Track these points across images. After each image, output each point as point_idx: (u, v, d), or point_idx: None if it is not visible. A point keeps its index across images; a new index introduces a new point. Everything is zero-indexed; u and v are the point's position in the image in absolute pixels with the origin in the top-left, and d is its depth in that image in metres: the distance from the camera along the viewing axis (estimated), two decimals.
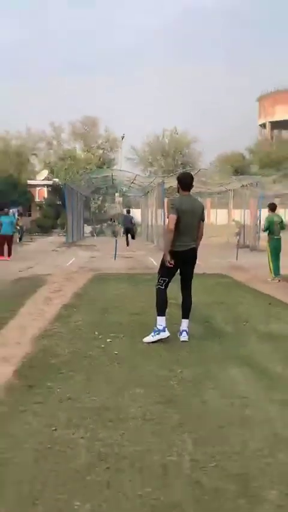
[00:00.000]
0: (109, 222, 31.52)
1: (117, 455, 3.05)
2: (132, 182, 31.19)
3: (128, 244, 23.68)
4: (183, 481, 2.77)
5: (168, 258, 5.62)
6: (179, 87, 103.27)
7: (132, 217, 26.32)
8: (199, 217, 5.85)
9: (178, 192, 5.99)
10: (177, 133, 56.88)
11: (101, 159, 50.98)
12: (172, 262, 5.62)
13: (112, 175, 31.51)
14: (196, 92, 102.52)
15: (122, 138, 49.93)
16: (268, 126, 71.25)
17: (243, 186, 23.74)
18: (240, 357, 5.14)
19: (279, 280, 11.21)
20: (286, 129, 69.81)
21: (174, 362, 4.95)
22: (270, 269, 11.59)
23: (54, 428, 3.41)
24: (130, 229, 25.05)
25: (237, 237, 21.90)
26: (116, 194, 41.46)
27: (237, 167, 55.04)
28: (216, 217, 32.13)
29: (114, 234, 29.69)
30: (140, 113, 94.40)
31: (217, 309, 7.78)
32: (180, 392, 4.11)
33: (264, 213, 14.19)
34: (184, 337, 5.74)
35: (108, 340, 5.77)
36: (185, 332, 5.78)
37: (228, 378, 4.48)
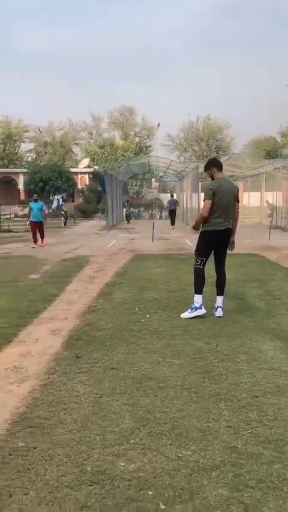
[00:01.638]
0: (126, 207, 31.73)
1: (158, 420, 3.08)
2: (167, 168, 30.95)
3: (173, 223, 24.78)
4: (221, 446, 2.77)
5: (195, 225, 5.85)
6: (213, 75, 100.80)
7: (176, 201, 27.90)
8: (235, 198, 5.76)
9: (212, 178, 5.80)
10: (210, 120, 55.89)
11: (138, 146, 50.77)
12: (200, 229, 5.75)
13: (149, 161, 31.34)
14: (230, 80, 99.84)
15: (158, 125, 49.45)
16: None
17: (276, 168, 23.09)
18: (273, 331, 5.07)
19: None
20: None
21: (210, 335, 4.93)
22: None
23: (99, 396, 3.46)
24: (174, 211, 26.25)
25: (270, 218, 21.43)
26: (153, 179, 41.27)
27: (270, 150, 53.70)
28: (249, 199, 31.46)
29: (129, 218, 29.94)
30: (175, 101, 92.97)
31: (250, 286, 7.67)
32: (216, 364, 4.09)
33: None
34: (220, 313, 5.70)
35: (147, 315, 5.79)
36: (220, 308, 5.74)
37: (261, 350, 4.43)
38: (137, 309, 6.11)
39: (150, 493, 2.34)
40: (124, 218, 30.60)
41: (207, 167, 5.85)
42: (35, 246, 14.87)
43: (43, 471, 2.54)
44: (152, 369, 4.00)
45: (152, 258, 11.76)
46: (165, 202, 36.73)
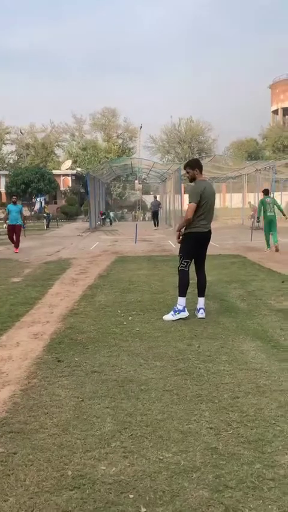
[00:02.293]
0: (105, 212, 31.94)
1: (140, 423, 3.08)
2: (150, 169, 31.02)
3: (156, 225, 25.22)
4: (201, 447, 2.78)
5: (178, 234, 5.77)
6: (195, 77, 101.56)
7: (159, 202, 28.50)
8: (214, 200, 5.84)
9: (194, 179, 5.76)
10: (192, 122, 56.19)
11: (121, 148, 50.78)
12: (180, 239, 5.77)
13: (131, 163, 31.37)
14: (211, 82, 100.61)
15: (141, 127, 49.64)
16: (280, 112, 69.68)
17: (257, 170, 23.33)
18: (254, 331, 5.11)
19: None
20: None
21: (192, 337, 4.95)
22: None
23: (81, 399, 3.45)
24: (157, 213, 26.79)
25: (252, 219, 21.62)
26: (136, 181, 41.31)
27: (251, 152, 54.23)
28: (231, 200, 31.72)
29: (136, 217, 30.07)
30: (157, 104, 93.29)
31: (232, 287, 7.72)
32: (197, 365, 4.11)
33: (277, 195, 14.22)
34: (202, 314, 5.73)
35: (130, 317, 5.79)
36: (202, 310, 5.77)
37: (242, 351, 4.46)
38: (119, 312, 6.10)
39: (131, 496, 2.34)
40: (102, 222, 30.61)
41: (192, 167, 5.79)
42: (16, 251, 13.92)
43: (23, 476, 2.52)
44: (133, 371, 4.00)
45: (135, 259, 11.76)
46: (148, 204, 36.81)
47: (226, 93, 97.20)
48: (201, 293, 5.86)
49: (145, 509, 2.23)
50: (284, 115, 69.16)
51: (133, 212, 36.43)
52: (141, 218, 33.49)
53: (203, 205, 5.60)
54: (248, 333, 5.08)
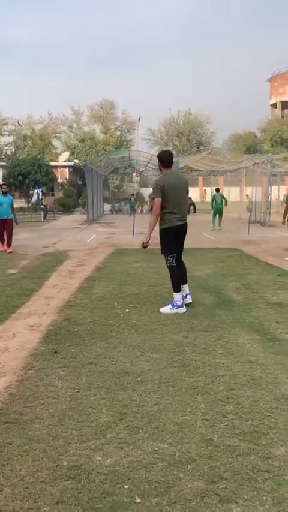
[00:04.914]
0: (132, 199, 31.73)
1: (136, 414, 3.09)
2: (148, 162, 30.90)
3: None
4: (197, 439, 2.79)
5: (148, 239, 5.74)
6: (194, 70, 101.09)
7: None
8: (185, 190, 5.79)
9: (160, 171, 5.84)
10: (191, 114, 55.96)
11: (119, 140, 50.55)
12: (148, 244, 5.78)
13: (129, 155, 31.24)
14: (210, 75, 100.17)
15: (139, 119, 49.32)
16: (279, 105, 69.44)
17: (255, 164, 23.28)
18: (250, 324, 5.12)
19: None
20: None
21: (188, 329, 4.95)
22: None
23: (77, 390, 3.45)
24: None
25: (249, 213, 21.62)
26: (134, 174, 41.17)
27: (249, 146, 54.09)
28: (228, 194, 31.70)
29: (134, 210, 29.82)
30: (156, 96, 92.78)
31: (228, 280, 7.73)
32: (194, 357, 4.12)
33: (275, 189, 14.04)
34: (189, 299, 5.86)
35: (126, 310, 5.79)
36: (189, 295, 5.89)
37: (238, 344, 4.47)
38: (116, 304, 6.09)
39: (126, 486, 2.34)
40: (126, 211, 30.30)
41: (158, 159, 5.86)
42: (9, 250, 11.82)
43: (18, 467, 2.53)
44: (130, 363, 4.00)
45: (132, 252, 11.74)
46: (146, 197, 36.70)
47: (225, 86, 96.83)
48: (185, 280, 5.94)
49: (140, 500, 2.24)
50: (282, 108, 68.92)
51: (133, 200, 36.26)
52: (139, 211, 33.36)
53: (170, 198, 5.52)
54: (244, 325, 5.09)
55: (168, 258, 5.72)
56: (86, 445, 2.72)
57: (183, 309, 5.66)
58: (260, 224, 20.45)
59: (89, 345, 4.47)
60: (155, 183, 5.71)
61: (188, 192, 5.88)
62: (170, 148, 54.51)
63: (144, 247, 5.85)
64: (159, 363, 3.98)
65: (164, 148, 55.28)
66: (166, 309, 5.66)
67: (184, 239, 5.88)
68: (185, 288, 5.89)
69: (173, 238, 5.69)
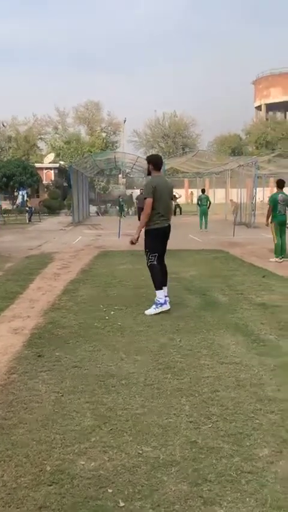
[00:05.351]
0: (120, 201, 31.66)
1: (120, 417, 3.08)
2: (134, 164, 30.91)
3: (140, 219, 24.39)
4: (181, 441, 2.79)
5: (137, 237, 5.88)
6: (179, 73, 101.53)
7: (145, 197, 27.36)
8: (171, 194, 6.08)
9: (149, 174, 5.99)
10: (176, 117, 56.16)
11: (105, 142, 50.47)
12: (137, 241, 5.89)
13: (115, 157, 31.20)
14: (195, 77, 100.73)
15: (124, 121, 49.32)
16: (263, 108, 70.10)
17: (240, 166, 23.44)
18: (235, 326, 5.15)
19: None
20: (280, 111, 68.70)
21: (173, 331, 4.96)
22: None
23: (61, 394, 3.43)
24: (143, 208, 25.74)
25: (234, 215, 21.74)
26: (120, 175, 41.13)
27: (234, 148, 54.45)
28: (214, 195, 31.86)
29: (121, 212, 29.72)
30: (141, 98, 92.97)
31: (214, 281, 7.76)
32: (179, 359, 4.12)
33: (260, 191, 14.12)
34: (167, 304, 5.85)
35: (112, 312, 5.78)
36: (167, 298, 5.90)
37: (223, 345, 4.49)
38: (101, 306, 6.08)
39: (110, 490, 2.33)
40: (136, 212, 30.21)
41: (148, 161, 6.02)
42: None
43: (1, 472, 2.50)
44: (115, 366, 3.99)
45: (118, 254, 11.72)
46: (133, 198, 36.64)
47: (210, 88, 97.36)
48: (164, 283, 5.98)
49: (123, 504, 2.23)
50: (267, 111, 69.59)
51: (117, 206, 36.18)
52: (131, 213, 33.27)
53: (159, 200, 5.72)
54: (229, 327, 5.11)
55: (150, 257, 5.83)
56: (70, 449, 2.70)
57: (167, 306, 5.73)
58: (245, 226, 20.57)
59: (74, 348, 4.45)
60: (148, 184, 5.92)
61: (172, 198, 6.16)
62: (156, 151, 54.62)
63: (133, 243, 5.98)
64: (144, 366, 3.98)
65: (151, 150, 55.48)
66: (151, 311, 5.68)
67: (167, 242, 6.02)
68: (165, 290, 5.92)
69: (159, 239, 5.85)
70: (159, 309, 5.66)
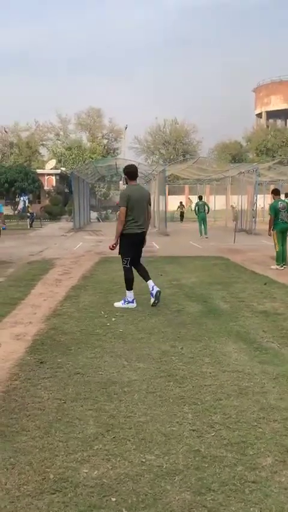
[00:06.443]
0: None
1: (123, 425, 3.07)
2: None
3: None
4: (184, 449, 2.78)
5: (115, 242, 6.32)
6: (180, 80, 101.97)
7: None
8: (147, 202, 6.40)
9: (126, 183, 6.44)
10: (177, 124, 56.35)
11: (106, 149, 50.64)
12: (116, 246, 6.33)
13: (116, 163, 31.28)
14: (196, 85, 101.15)
15: (125, 128, 49.51)
16: (264, 115, 70.40)
17: (240, 173, 23.49)
18: (237, 333, 5.14)
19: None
20: (281, 119, 69.02)
21: (175, 338, 4.95)
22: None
23: (63, 401, 3.42)
24: None
25: (235, 222, 21.76)
26: (120, 182, 41.22)
27: (235, 155, 54.61)
28: (214, 202, 31.90)
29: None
30: (143, 105, 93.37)
31: (215, 288, 7.75)
32: (180, 367, 4.11)
33: (260, 198, 14.14)
34: (156, 288, 6.33)
35: (113, 318, 5.77)
36: (154, 286, 6.36)
37: (225, 353, 4.48)
38: (102, 313, 6.07)
39: (113, 499, 2.32)
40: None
41: (124, 172, 6.48)
42: None
43: (4, 480, 2.49)
44: (117, 373, 3.98)
45: (118, 260, 11.64)
46: None
47: (211, 96, 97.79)
48: (147, 277, 6.45)
49: None
50: (267, 118, 69.88)
51: (117, 212, 36.30)
52: None
53: (133, 208, 6.13)
54: (231, 334, 5.11)
55: (124, 260, 6.38)
56: (73, 457, 2.69)
57: (134, 305, 6.32)
58: (246, 232, 20.59)
59: (76, 355, 4.44)
60: (122, 193, 6.46)
61: (150, 204, 6.55)
62: (157, 157, 54.83)
63: (112, 249, 6.40)
64: (146, 373, 3.97)
65: (152, 157, 55.67)
66: (119, 304, 6.34)
67: (142, 246, 6.45)
68: (150, 282, 6.41)
69: (129, 244, 6.29)
70: (126, 305, 6.28)
